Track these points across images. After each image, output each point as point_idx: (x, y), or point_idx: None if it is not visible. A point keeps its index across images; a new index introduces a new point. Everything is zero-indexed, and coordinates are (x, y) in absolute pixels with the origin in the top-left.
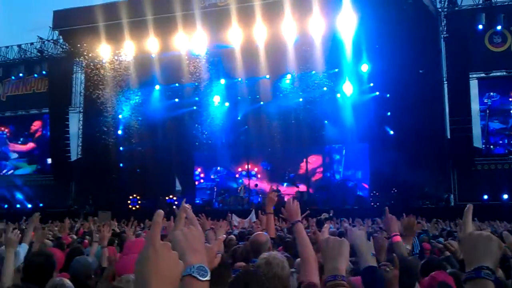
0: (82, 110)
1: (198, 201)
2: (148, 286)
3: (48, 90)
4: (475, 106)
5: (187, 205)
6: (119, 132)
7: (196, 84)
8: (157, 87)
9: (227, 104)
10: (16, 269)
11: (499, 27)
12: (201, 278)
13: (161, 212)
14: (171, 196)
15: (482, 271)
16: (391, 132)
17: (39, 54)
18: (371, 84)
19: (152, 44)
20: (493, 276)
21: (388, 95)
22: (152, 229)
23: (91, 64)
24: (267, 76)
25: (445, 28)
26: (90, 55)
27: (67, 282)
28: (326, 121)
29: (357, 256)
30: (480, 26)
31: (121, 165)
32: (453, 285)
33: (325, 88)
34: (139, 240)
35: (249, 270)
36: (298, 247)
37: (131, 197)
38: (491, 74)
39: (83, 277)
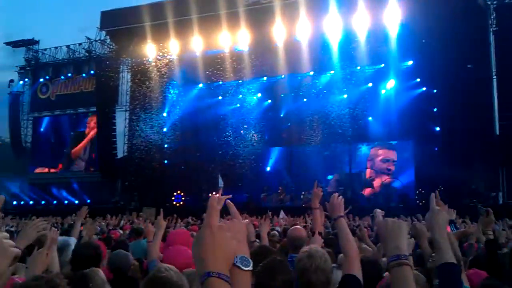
0: (128, 109)
1: (241, 198)
2: (205, 263)
3: (95, 89)
4: None
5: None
6: (164, 129)
7: (240, 81)
8: (201, 85)
9: (269, 101)
10: (67, 261)
11: None
12: (244, 268)
13: (215, 196)
14: (214, 193)
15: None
16: (437, 129)
17: (87, 54)
18: (418, 80)
19: (196, 42)
20: None
21: (435, 91)
22: (208, 212)
23: (137, 63)
24: (311, 73)
25: (494, 22)
26: (136, 54)
27: (100, 272)
28: (370, 118)
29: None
30: None
31: (165, 162)
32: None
33: (370, 84)
34: (181, 231)
35: (275, 258)
36: (340, 241)
37: (175, 193)
38: None
39: (122, 269)
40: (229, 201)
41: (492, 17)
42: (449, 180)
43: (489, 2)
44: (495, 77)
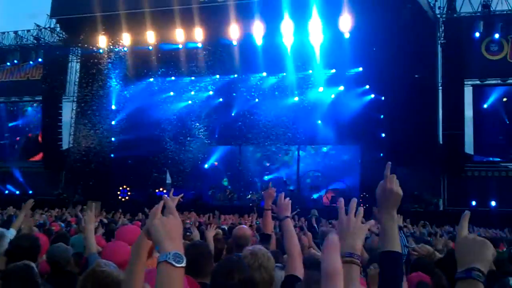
0: (75, 99)
1: (188, 195)
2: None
3: (42, 78)
4: (468, 112)
5: (175, 197)
6: (113, 122)
7: (192, 78)
8: (152, 79)
9: (221, 99)
10: (2, 252)
11: (496, 36)
12: (176, 265)
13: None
14: (161, 189)
15: (473, 272)
16: (383, 135)
17: (35, 41)
18: (367, 87)
19: (149, 36)
20: (483, 277)
21: (383, 98)
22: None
23: (87, 53)
24: (263, 74)
25: (442, 34)
26: (86, 44)
27: (33, 265)
28: (319, 121)
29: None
30: (477, 34)
31: (112, 155)
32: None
33: (321, 89)
34: (131, 227)
35: (231, 257)
36: (285, 242)
37: (121, 188)
38: (486, 82)
39: (61, 263)
40: (165, 196)
41: (440, 30)
42: None
43: (438, 15)
44: (440, 88)
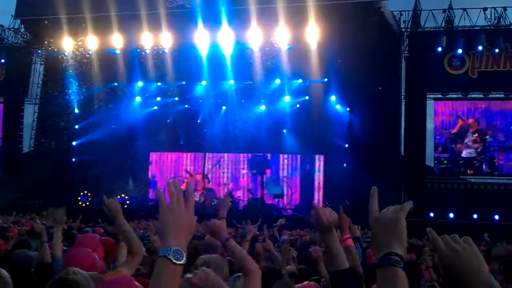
0: (38, 102)
1: (150, 202)
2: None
3: (4, 79)
4: (430, 125)
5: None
6: (76, 126)
7: (159, 84)
8: (116, 83)
9: (186, 106)
10: None
11: (459, 51)
12: (175, 261)
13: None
14: (123, 195)
15: (392, 258)
16: (346, 145)
17: None
18: (333, 98)
19: (115, 40)
20: (402, 262)
21: (348, 109)
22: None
23: (52, 56)
24: (231, 82)
25: (407, 48)
26: (51, 47)
27: (4, 272)
28: (284, 131)
29: None
30: (440, 49)
31: (73, 159)
32: None
33: (287, 98)
34: (91, 235)
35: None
36: (238, 262)
37: (81, 193)
38: (447, 96)
39: (22, 270)
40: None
41: (405, 44)
42: (354, 195)
43: (403, 29)
44: (403, 100)
